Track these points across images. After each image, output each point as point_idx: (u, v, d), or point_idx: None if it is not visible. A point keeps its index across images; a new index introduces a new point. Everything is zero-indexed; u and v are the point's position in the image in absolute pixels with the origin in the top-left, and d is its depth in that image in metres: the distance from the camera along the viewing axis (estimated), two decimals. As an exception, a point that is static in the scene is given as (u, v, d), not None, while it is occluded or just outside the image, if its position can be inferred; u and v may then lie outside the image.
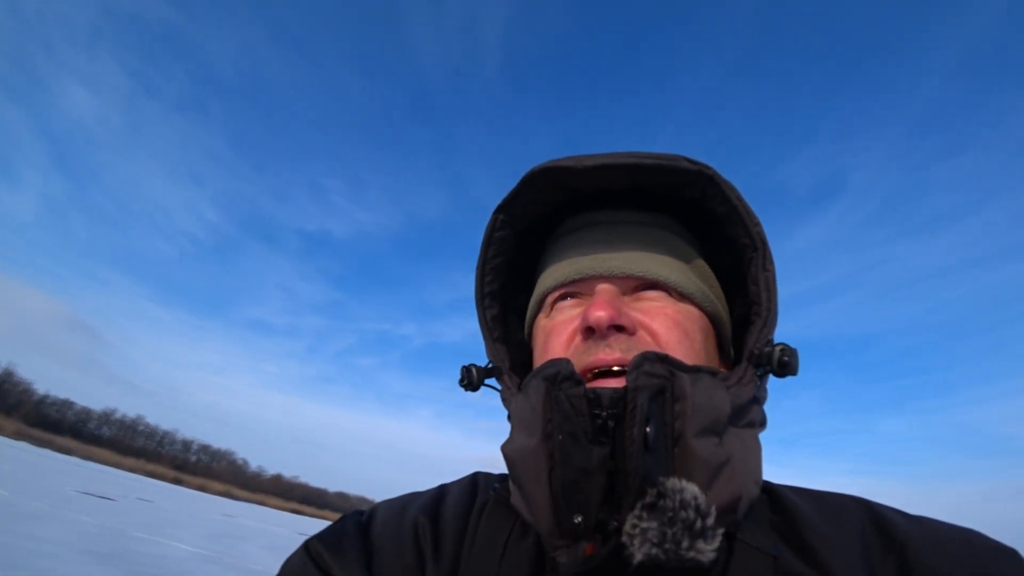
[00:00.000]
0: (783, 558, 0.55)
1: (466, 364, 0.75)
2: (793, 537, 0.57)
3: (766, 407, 0.68)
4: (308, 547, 0.65)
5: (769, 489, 0.65)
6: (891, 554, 0.54)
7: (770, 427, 0.67)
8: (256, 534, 24.38)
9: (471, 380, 0.73)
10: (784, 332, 0.67)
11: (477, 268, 0.76)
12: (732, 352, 0.75)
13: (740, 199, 0.66)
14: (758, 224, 0.66)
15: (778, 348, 0.62)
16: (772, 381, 0.68)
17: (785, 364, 0.61)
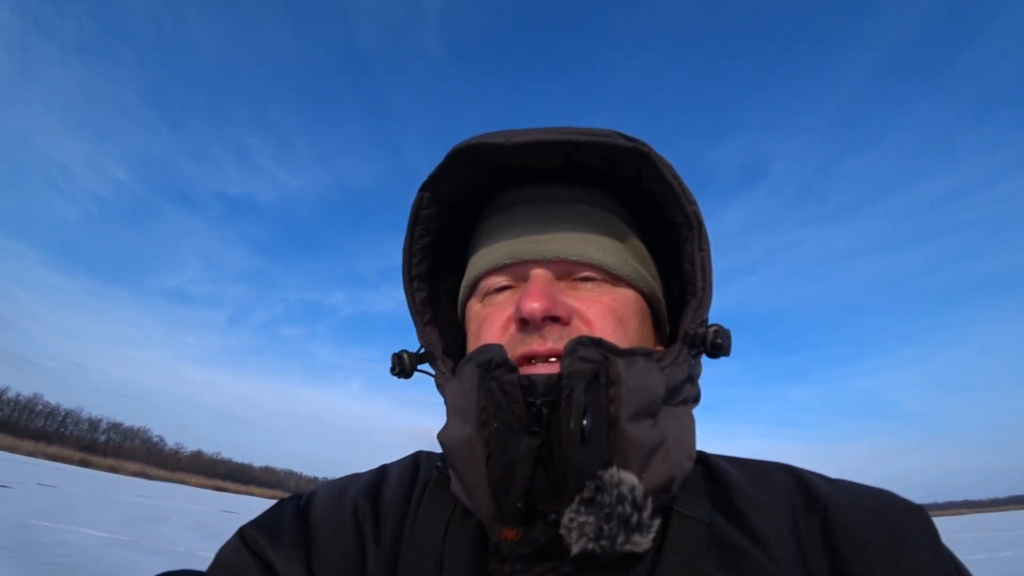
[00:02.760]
0: (717, 524, 0.57)
1: (397, 351, 0.72)
2: (726, 504, 0.59)
3: (700, 380, 0.68)
4: (243, 534, 0.63)
5: (703, 459, 0.67)
6: (815, 515, 0.58)
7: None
8: (176, 514, 23.38)
9: (403, 367, 0.71)
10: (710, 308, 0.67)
11: (404, 249, 0.72)
12: (668, 329, 0.75)
13: (676, 177, 0.64)
14: (694, 203, 0.65)
15: (712, 329, 0.62)
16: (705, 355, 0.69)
17: (718, 346, 0.61)
